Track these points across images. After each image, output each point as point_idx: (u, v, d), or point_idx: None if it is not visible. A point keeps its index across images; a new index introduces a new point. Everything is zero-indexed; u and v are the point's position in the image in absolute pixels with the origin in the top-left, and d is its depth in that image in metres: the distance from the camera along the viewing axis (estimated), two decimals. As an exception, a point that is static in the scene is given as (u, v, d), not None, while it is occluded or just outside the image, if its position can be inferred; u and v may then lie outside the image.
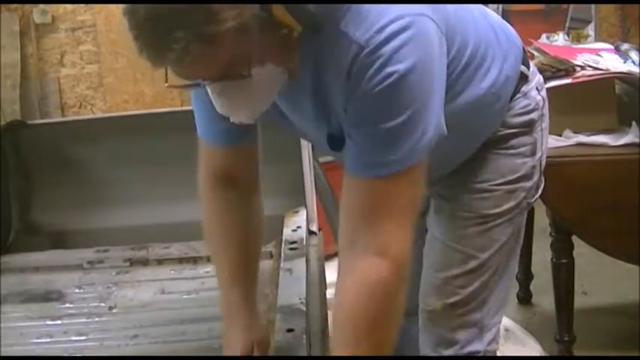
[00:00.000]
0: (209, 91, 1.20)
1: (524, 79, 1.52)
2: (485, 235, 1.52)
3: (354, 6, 1.17)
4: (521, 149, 1.53)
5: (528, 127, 1.53)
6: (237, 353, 1.41)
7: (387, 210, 1.21)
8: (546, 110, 1.59)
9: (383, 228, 1.21)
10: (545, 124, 1.58)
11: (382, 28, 1.14)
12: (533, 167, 1.54)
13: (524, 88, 1.52)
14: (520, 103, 1.51)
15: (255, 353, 1.42)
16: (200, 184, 1.48)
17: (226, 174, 1.45)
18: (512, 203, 1.53)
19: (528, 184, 1.54)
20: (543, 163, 1.58)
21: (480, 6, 1.51)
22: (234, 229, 1.46)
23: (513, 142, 1.52)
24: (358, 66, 1.15)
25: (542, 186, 1.60)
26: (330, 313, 1.82)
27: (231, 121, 1.25)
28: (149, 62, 1.09)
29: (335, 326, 1.26)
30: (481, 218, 1.52)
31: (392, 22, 1.14)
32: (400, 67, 1.14)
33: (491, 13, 1.54)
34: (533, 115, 1.53)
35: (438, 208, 1.57)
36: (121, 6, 1.08)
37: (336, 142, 1.29)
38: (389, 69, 1.14)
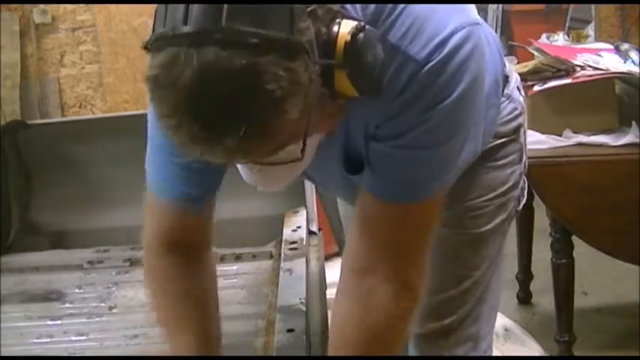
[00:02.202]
0: (243, 167, 1.05)
1: (505, 79, 1.40)
2: (479, 254, 1.44)
3: (399, 15, 1.00)
4: (510, 158, 1.43)
5: (515, 133, 1.43)
6: None
7: (417, 238, 1.11)
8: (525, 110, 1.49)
9: (411, 259, 1.12)
10: (526, 123, 1.48)
11: (444, 43, 0.99)
12: (521, 174, 1.46)
13: (507, 91, 1.40)
14: (507, 108, 1.40)
15: None
16: (146, 251, 1.26)
17: (178, 241, 1.23)
18: (503, 216, 1.44)
19: (516, 192, 1.47)
20: (527, 164, 1.49)
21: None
22: (191, 292, 1.23)
23: (502, 152, 1.41)
24: (417, 84, 1.00)
25: (525, 187, 1.52)
26: (330, 313, 1.82)
27: (258, 189, 1.11)
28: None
29: (334, 344, 1.17)
30: (475, 238, 1.42)
31: (453, 34, 0.99)
32: (463, 84, 1.01)
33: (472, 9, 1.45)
34: (520, 120, 1.43)
35: None
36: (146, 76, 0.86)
37: (353, 165, 1.15)
38: (453, 86, 1.00)
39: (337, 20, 0.90)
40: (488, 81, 1.22)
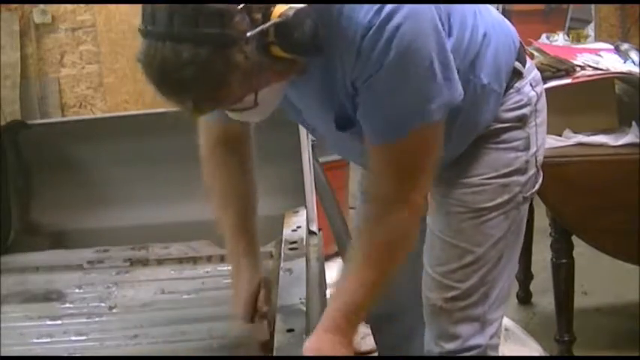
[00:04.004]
0: None
1: (518, 75, 1.56)
2: (480, 230, 1.55)
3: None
4: (514, 143, 1.55)
5: (520, 121, 1.55)
6: (245, 294, 1.60)
7: (414, 168, 1.37)
8: (541, 106, 1.60)
9: (405, 181, 1.37)
10: (541, 119, 1.60)
11: (380, 9, 1.26)
12: (527, 162, 1.57)
13: (517, 84, 1.55)
14: (513, 99, 1.55)
15: (261, 291, 1.61)
16: (201, 149, 1.63)
17: (224, 140, 1.60)
18: (505, 197, 1.55)
19: (522, 178, 1.57)
20: (540, 158, 1.60)
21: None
22: (234, 187, 1.62)
23: (505, 136, 1.55)
24: (367, 44, 1.27)
25: (539, 181, 1.62)
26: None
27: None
28: None
29: (352, 251, 1.45)
30: (475, 212, 1.55)
31: (387, 2, 1.26)
32: (404, 40, 1.25)
33: (491, 9, 1.59)
34: (525, 111, 1.56)
35: (435, 206, 1.61)
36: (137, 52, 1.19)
37: (343, 123, 1.40)
38: (394, 43, 1.25)
39: (271, 9, 1.19)
40: (488, 67, 1.48)
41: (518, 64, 1.56)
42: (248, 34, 1.16)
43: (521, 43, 1.61)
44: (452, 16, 1.41)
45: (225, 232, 1.64)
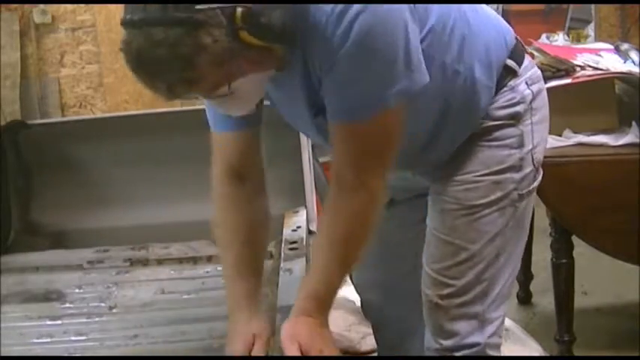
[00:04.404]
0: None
1: (512, 73, 1.56)
2: (474, 227, 1.56)
3: None
4: (507, 141, 1.56)
5: (514, 119, 1.56)
6: (237, 346, 1.50)
7: (369, 148, 1.38)
8: (540, 104, 1.60)
9: (363, 165, 1.39)
10: (538, 117, 1.60)
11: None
12: (522, 159, 1.57)
13: (511, 82, 1.56)
14: (506, 96, 1.55)
15: (255, 346, 1.50)
16: (213, 180, 1.60)
17: (237, 168, 1.57)
18: (498, 194, 1.55)
19: (517, 175, 1.57)
20: (538, 156, 1.60)
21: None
22: (242, 226, 1.57)
23: (497, 134, 1.55)
24: (330, 30, 1.31)
25: (538, 179, 1.62)
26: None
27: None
28: None
29: (316, 238, 1.50)
30: (468, 209, 1.55)
31: None
32: (363, 25, 1.29)
33: (487, 8, 1.60)
34: (519, 108, 1.56)
35: (431, 204, 1.62)
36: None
37: (316, 110, 1.43)
38: (354, 28, 1.29)
39: None
40: (480, 62, 1.50)
41: (511, 62, 1.56)
42: (213, 17, 1.22)
43: (518, 40, 1.62)
44: (430, 8, 1.43)
45: (225, 273, 1.60)
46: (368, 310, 1.98)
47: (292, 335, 1.40)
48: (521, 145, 1.57)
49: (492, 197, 1.55)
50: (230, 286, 1.57)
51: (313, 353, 1.38)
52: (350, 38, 1.29)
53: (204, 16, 1.21)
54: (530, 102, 1.58)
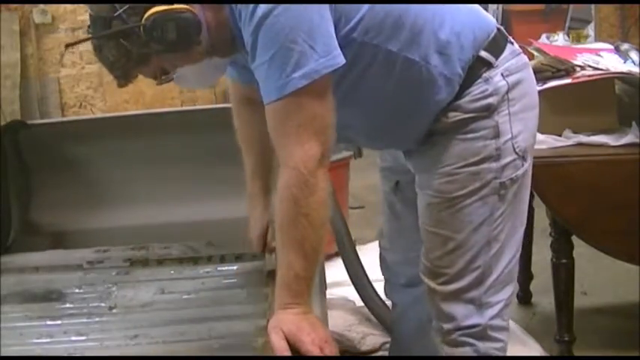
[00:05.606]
0: None
1: (487, 64, 1.61)
2: (457, 217, 1.64)
3: None
4: (482, 132, 1.61)
5: (487, 111, 1.61)
6: (258, 226, 1.90)
7: (287, 128, 1.45)
8: (519, 94, 1.64)
9: (285, 143, 1.46)
10: (518, 107, 1.63)
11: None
12: (499, 149, 1.62)
13: (486, 74, 1.61)
14: (479, 88, 1.61)
15: (269, 228, 1.87)
16: (232, 107, 1.92)
17: (246, 98, 1.83)
18: (477, 184, 1.62)
19: (496, 164, 1.62)
20: (521, 144, 1.64)
21: None
22: (256, 139, 1.84)
23: (473, 126, 1.61)
24: (244, 16, 1.45)
25: (525, 165, 1.66)
26: (329, 313, 1.82)
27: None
28: None
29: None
30: (450, 201, 1.63)
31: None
32: (258, 10, 1.42)
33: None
34: (491, 100, 1.61)
35: (419, 200, 1.71)
36: None
37: None
38: (256, 13, 1.42)
39: (147, 11, 1.46)
40: (438, 56, 1.56)
41: (485, 54, 1.61)
42: (128, 30, 1.47)
43: (500, 32, 1.65)
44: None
45: (247, 174, 1.92)
46: (391, 294, 2.12)
47: (275, 326, 1.46)
48: (496, 135, 1.62)
49: (471, 187, 1.62)
50: (250, 184, 1.92)
51: (300, 337, 1.43)
52: (253, 22, 1.43)
53: (124, 29, 1.47)
54: (506, 93, 1.62)
